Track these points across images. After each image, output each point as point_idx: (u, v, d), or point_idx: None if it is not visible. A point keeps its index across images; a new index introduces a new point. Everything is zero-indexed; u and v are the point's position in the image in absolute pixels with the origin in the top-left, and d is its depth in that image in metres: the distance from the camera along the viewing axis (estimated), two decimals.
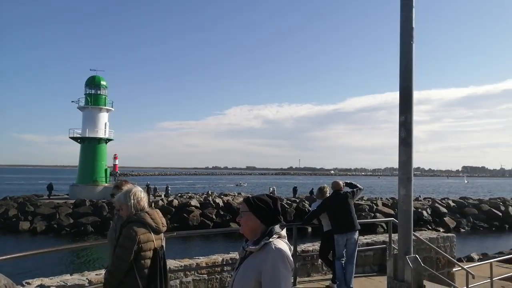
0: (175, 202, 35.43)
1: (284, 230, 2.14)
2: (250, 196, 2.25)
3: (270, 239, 2.04)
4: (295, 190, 45.90)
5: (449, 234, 9.32)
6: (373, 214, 34.51)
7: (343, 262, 6.22)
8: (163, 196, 39.73)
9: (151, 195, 37.87)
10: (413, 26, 3.16)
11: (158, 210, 3.36)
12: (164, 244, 3.40)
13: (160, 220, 3.26)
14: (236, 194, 47.86)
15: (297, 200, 37.95)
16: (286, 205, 35.11)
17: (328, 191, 6.88)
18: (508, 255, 13.81)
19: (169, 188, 43.65)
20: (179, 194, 43.73)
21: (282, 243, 2.07)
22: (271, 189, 51.19)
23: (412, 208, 3.26)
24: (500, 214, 37.24)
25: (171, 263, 5.33)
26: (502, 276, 10.59)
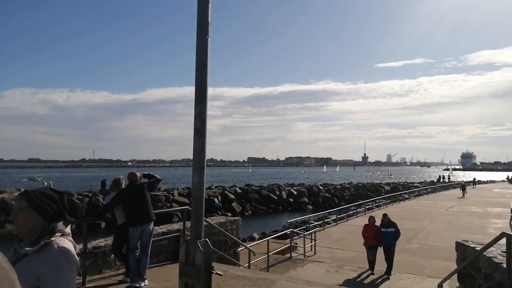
0: None
1: (69, 227, 1.92)
2: (30, 190, 1.92)
3: (52, 238, 1.80)
4: (103, 183, 42.38)
5: (235, 218, 10.33)
6: (169, 204, 35.23)
7: (137, 254, 6.12)
8: None
9: None
10: (209, 20, 3.33)
11: None
12: None
13: None
14: (14, 190, 41.05)
15: (90, 195, 35.41)
16: (77, 200, 32.27)
17: (124, 183, 6.64)
18: (280, 233, 16.33)
19: None
20: None
21: (66, 242, 1.85)
22: (46, 183, 45.76)
23: (205, 195, 3.44)
24: (276, 198, 43.58)
25: None
26: (276, 250, 12.48)
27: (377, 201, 29.40)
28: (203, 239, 3.05)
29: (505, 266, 4.90)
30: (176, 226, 8.48)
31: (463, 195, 36.71)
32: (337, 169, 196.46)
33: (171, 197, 37.81)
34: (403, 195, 36.29)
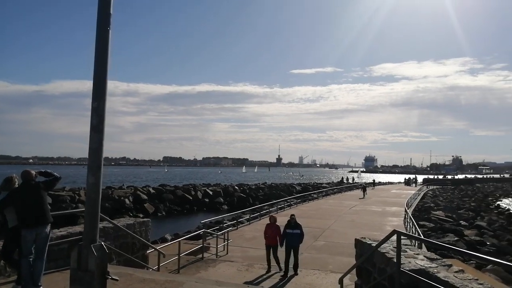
0: None
1: None
2: None
3: None
4: None
5: (145, 219, 9.96)
6: (75, 205, 32.90)
7: (31, 259, 5.58)
8: None
9: None
10: (111, 12, 3.13)
11: None
12: None
13: None
14: None
15: None
16: None
17: (17, 182, 6.01)
18: (193, 233, 16.14)
19: None
20: None
21: None
22: None
23: (100, 196, 3.24)
24: (191, 198, 43.09)
25: None
26: (188, 251, 12.29)
27: (288, 200, 30.56)
28: (98, 243, 2.86)
29: (395, 260, 5.35)
30: (79, 228, 7.91)
31: (364, 195, 39.27)
32: (256, 169, 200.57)
33: (77, 197, 35.38)
34: (312, 195, 38.19)
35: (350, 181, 79.98)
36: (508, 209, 45.49)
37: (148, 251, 9.54)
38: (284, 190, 54.95)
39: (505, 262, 3.98)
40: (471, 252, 4.60)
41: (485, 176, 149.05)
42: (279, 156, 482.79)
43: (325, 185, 68.50)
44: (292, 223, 10.98)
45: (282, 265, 10.94)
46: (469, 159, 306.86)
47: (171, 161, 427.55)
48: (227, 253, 13.48)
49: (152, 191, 42.93)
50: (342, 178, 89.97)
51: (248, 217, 21.72)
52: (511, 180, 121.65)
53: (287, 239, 10.86)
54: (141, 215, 32.03)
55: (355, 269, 7.49)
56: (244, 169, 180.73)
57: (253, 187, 58.16)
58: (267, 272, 10.91)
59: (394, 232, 5.45)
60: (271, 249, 11.16)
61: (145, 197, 39.39)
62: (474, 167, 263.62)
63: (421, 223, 24.07)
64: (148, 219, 10.20)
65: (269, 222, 11.57)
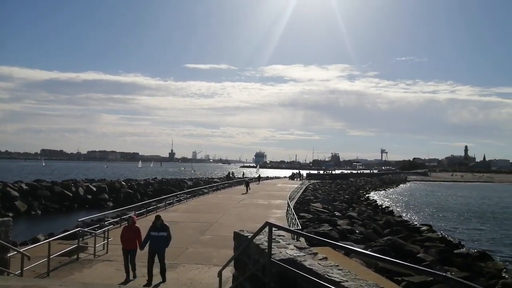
0: None
1: None
2: None
3: None
4: None
5: (5, 219, 8.87)
6: None
7: None
8: None
9: None
10: None
11: None
12: None
13: None
14: None
15: None
16: None
17: None
18: (68, 232, 14.90)
19: None
20: None
21: None
22: None
23: None
24: (71, 194, 39.78)
25: None
26: (60, 252, 11.26)
27: (178, 196, 30.18)
28: None
29: (267, 251, 5.63)
30: None
31: (247, 191, 39.50)
32: (152, 165, 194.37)
33: None
34: (203, 189, 38.31)
35: (241, 175, 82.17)
36: (375, 201, 51.53)
37: (9, 254, 8.52)
38: (175, 186, 54.08)
39: (344, 245, 4.47)
40: (324, 239, 5.07)
41: (358, 171, 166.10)
42: (172, 151, 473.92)
43: (216, 180, 69.22)
44: (158, 225, 9.88)
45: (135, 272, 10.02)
46: (346, 156, 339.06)
47: (50, 154, 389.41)
48: (106, 252, 12.77)
49: (25, 187, 38.46)
50: (229, 173, 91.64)
51: (134, 213, 20.84)
52: (379, 175, 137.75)
53: (150, 243, 9.81)
54: (10, 214, 28.56)
55: (233, 262, 7.71)
56: (140, 164, 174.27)
57: (142, 182, 56.07)
58: (146, 286, 9.50)
59: (266, 224, 5.72)
60: (129, 255, 10.03)
61: (16, 193, 35.15)
62: (349, 164, 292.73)
63: (302, 214, 25.81)
64: (9, 218, 9.07)
65: (126, 224, 10.54)
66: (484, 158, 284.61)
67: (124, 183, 50.67)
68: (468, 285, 3.07)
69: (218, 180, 67.52)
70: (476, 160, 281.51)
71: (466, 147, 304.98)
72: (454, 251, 20.67)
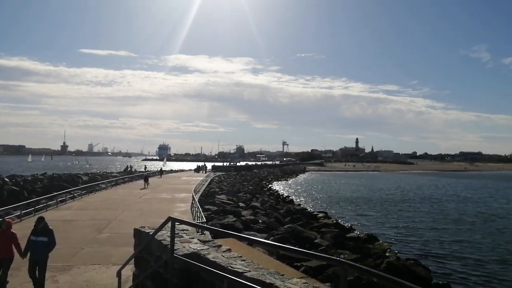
0: None
1: None
2: None
3: None
4: None
5: None
6: None
7: None
8: None
9: None
10: None
11: None
12: None
13: None
14: None
15: None
16: None
17: None
18: None
19: None
20: None
21: None
22: None
23: None
24: None
25: None
26: None
27: (72, 192, 27.97)
28: None
29: (170, 246, 5.47)
30: None
31: (146, 186, 36.95)
32: (43, 158, 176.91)
33: None
34: (101, 185, 36.06)
35: (143, 169, 79.20)
36: (277, 191, 53.78)
37: None
38: (68, 181, 49.94)
39: (246, 236, 4.57)
40: (227, 231, 5.10)
41: (261, 163, 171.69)
42: (64, 143, 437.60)
43: (115, 174, 65.70)
44: (39, 228, 8.48)
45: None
46: (250, 148, 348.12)
47: None
48: None
49: None
50: (127, 166, 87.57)
51: (19, 213, 18.81)
52: (281, 166, 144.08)
53: (30, 249, 8.39)
54: None
55: (134, 259, 7.36)
56: (30, 158, 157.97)
57: (29, 178, 50.76)
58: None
59: (169, 219, 5.56)
60: (2, 264, 8.36)
61: None
62: (254, 155, 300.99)
63: (207, 207, 25.78)
64: None
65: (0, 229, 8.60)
66: (372, 149, 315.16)
67: (7, 180, 45.38)
68: (358, 267, 3.31)
69: (118, 174, 64.16)
70: (366, 151, 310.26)
71: (357, 139, 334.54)
72: (347, 235, 22.55)
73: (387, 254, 18.72)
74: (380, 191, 61.42)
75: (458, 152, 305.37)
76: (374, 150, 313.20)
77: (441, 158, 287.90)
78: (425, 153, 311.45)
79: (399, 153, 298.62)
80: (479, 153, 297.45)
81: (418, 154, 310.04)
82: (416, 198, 50.68)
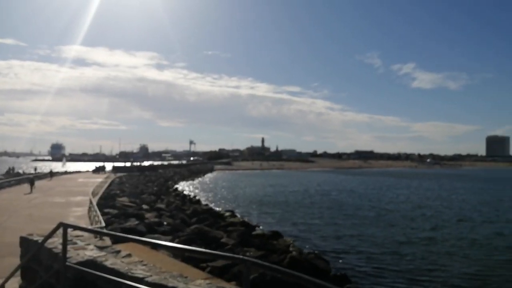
0: None
1: None
2: None
3: None
4: None
5: None
6: None
7: None
8: None
9: None
10: None
11: None
12: None
13: None
14: None
15: None
16: None
17: None
18: None
19: None
20: None
21: None
22: None
23: None
24: None
25: None
26: None
27: None
28: None
29: (61, 254, 5.01)
30: None
31: (31, 190, 33.12)
32: None
33: None
34: None
35: (32, 171, 71.93)
36: (183, 191, 52.98)
37: None
38: None
39: (147, 239, 4.40)
40: (126, 235, 4.86)
41: (167, 162, 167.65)
42: None
43: (0, 177, 58.63)
44: None
45: None
46: (155, 147, 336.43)
47: None
48: None
49: None
50: (9, 168, 78.57)
51: None
52: (188, 165, 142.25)
53: None
54: None
55: (20, 271, 6.62)
56: None
57: None
58: None
59: (60, 224, 5.08)
60: None
61: None
62: (159, 155, 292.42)
63: (106, 210, 24.28)
64: None
65: None
66: (277, 148, 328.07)
67: None
68: (261, 264, 3.36)
69: (2, 177, 57.38)
70: (271, 150, 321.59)
71: (263, 138, 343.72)
72: (252, 233, 23.08)
73: (290, 249, 19.57)
74: (283, 188, 64.20)
75: (353, 151, 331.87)
76: (279, 149, 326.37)
77: (338, 156, 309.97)
78: (325, 152, 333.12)
79: (301, 152, 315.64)
80: (371, 152, 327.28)
81: (318, 152, 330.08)
82: (317, 196, 53.90)
